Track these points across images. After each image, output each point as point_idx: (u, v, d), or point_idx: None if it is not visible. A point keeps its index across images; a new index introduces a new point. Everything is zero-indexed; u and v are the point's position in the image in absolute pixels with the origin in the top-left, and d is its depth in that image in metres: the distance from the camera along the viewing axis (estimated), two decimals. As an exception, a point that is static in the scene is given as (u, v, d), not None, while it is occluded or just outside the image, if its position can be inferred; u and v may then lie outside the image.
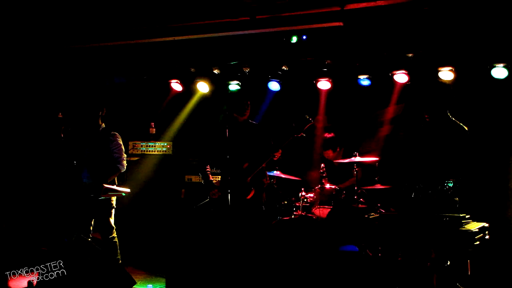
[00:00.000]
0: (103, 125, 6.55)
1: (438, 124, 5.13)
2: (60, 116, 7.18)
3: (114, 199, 6.44)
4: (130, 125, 8.03)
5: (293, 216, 7.10)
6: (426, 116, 5.17)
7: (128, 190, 6.34)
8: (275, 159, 5.76)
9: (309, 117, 5.52)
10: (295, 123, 5.55)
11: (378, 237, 5.08)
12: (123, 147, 6.51)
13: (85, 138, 6.48)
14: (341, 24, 6.43)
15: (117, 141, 6.45)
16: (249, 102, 5.82)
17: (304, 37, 7.06)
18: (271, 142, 5.83)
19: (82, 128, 6.53)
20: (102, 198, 6.16)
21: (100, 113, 6.49)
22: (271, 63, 8.22)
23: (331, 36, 6.92)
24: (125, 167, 6.47)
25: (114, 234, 6.38)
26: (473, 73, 7.45)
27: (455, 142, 5.01)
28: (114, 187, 6.29)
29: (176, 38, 7.12)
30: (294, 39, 7.06)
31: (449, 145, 5.02)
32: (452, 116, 5.17)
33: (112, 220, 6.37)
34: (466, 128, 5.07)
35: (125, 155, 6.53)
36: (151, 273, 7.19)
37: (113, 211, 6.39)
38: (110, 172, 6.31)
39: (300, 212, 7.13)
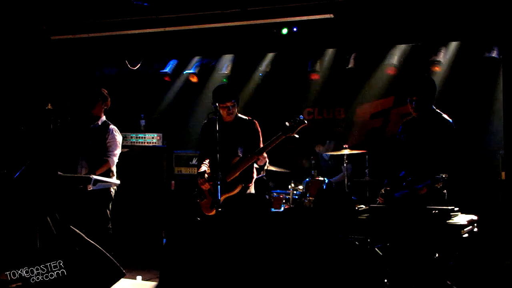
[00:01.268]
0: (104, 117, 6.60)
1: (424, 117, 5.14)
2: (50, 108, 7.16)
3: (113, 191, 6.45)
4: (119, 116, 8.00)
5: (282, 209, 7.12)
6: (412, 109, 5.17)
7: (118, 181, 6.33)
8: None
9: (303, 118, 5.49)
10: (288, 122, 5.51)
11: (367, 229, 5.10)
12: (118, 143, 6.52)
13: (86, 130, 6.51)
14: (331, 15, 6.42)
15: (113, 135, 6.49)
16: (229, 104, 5.73)
17: (295, 29, 7.04)
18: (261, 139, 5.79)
19: (82, 119, 6.55)
20: (91, 189, 6.12)
21: (103, 105, 6.54)
22: (261, 54, 8.22)
23: (322, 28, 6.91)
24: (115, 163, 6.48)
25: (110, 226, 6.41)
26: (462, 65, 7.48)
27: (441, 134, 5.02)
28: (105, 178, 6.27)
29: (167, 29, 7.08)
30: (285, 31, 7.04)
31: (436, 138, 5.03)
32: (437, 109, 5.17)
33: (109, 211, 6.40)
34: (451, 120, 5.07)
35: (119, 151, 6.54)
36: (141, 264, 7.19)
37: (110, 202, 6.43)
38: (99, 164, 6.33)
39: (290, 205, 7.16)
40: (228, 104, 5.64)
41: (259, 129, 5.83)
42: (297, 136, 5.51)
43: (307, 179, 7.30)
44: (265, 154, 5.56)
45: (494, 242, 6.79)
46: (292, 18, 6.71)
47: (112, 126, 6.54)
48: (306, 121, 5.48)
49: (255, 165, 5.87)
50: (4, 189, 7.19)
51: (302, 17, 6.60)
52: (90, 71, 8.46)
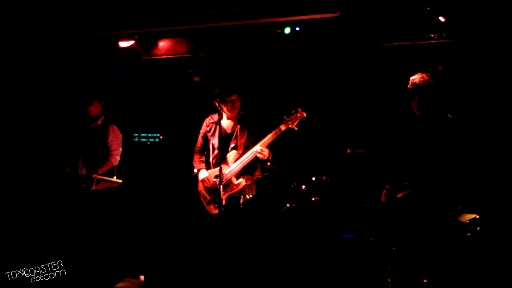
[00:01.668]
0: (103, 117, 6.61)
1: (427, 115, 5.08)
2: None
3: (115, 190, 6.47)
4: (122, 115, 8.00)
5: (285, 208, 7.10)
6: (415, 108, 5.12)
7: (120, 181, 6.35)
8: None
9: (302, 110, 5.49)
10: (287, 115, 5.52)
11: (372, 228, 5.10)
12: (119, 141, 6.56)
13: (85, 130, 6.53)
14: (337, 14, 6.38)
15: (114, 134, 6.53)
16: (233, 98, 5.75)
17: (298, 28, 7.02)
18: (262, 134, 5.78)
19: (81, 119, 6.57)
20: (94, 189, 6.14)
21: (100, 104, 6.54)
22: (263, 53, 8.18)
23: (327, 27, 6.88)
24: (118, 161, 6.52)
25: (112, 225, 6.45)
26: (472, 63, 7.41)
27: (444, 132, 4.97)
28: (107, 178, 6.29)
29: (167, 29, 7.08)
30: (288, 30, 7.02)
31: (438, 136, 4.98)
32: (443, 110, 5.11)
33: (111, 210, 6.43)
34: (451, 117, 5.00)
35: (121, 150, 6.57)
36: (144, 263, 7.18)
37: (113, 201, 6.45)
38: (101, 163, 6.35)
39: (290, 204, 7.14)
40: (233, 98, 5.67)
41: (259, 125, 5.84)
42: (296, 128, 5.52)
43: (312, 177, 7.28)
44: (266, 149, 5.55)
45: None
46: (296, 17, 6.68)
47: (112, 125, 6.56)
48: (305, 113, 5.49)
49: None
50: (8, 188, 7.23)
51: (306, 16, 6.58)
52: (90, 71, 8.45)
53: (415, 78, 5.05)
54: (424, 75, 4.98)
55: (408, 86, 5.07)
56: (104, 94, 6.63)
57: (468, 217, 4.75)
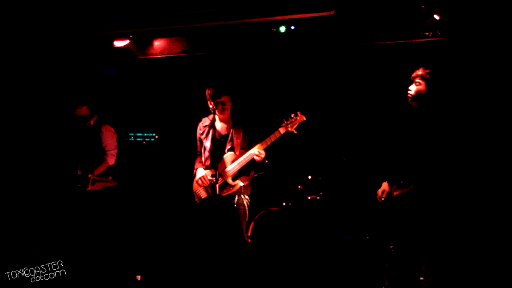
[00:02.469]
0: (96, 116, 6.57)
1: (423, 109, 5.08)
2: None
3: (111, 190, 6.45)
4: (118, 115, 7.99)
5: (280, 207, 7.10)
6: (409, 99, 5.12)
7: (115, 181, 6.33)
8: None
9: (301, 113, 5.49)
10: (286, 118, 5.52)
11: (369, 226, 5.11)
12: (114, 140, 6.52)
13: (79, 130, 6.50)
14: (332, 13, 6.39)
15: (107, 133, 6.49)
16: (224, 99, 5.75)
17: (293, 27, 7.02)
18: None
19: (75, 120, 6.55)
20: (90, 189, 6.12)
21: (90, 107, 6.53)
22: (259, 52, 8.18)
23: (322, 26, 6.88)
24: (114, 161, 6.48)
25: (108, 225, 6.43)
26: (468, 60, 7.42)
27: (441, 127, 4.96)
28: (103, 178, 6.26)
29: (159, 28, 7.07)
30: (283, 29, 7.01)
31: (436, 131, 4.97)
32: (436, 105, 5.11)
33: (107, 211, 6.41)
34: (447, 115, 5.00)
35: (116, 149, 6.54)
36: (141, 263, 7.18)
37: (109, 202, 6.43)
38: (97, 163, 6.32)
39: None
40: (223, 99, 5.66)
41: (253, 124, 5.85)
42: (295, 132, 5.52)
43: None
44: (263, 152, 5.55)
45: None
46: (290, 16, 6.68)
47: (105, 125, 6.51)
48: (304, 116, 5.50)
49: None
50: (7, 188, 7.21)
51: (301, 15, 6.58)
52: (87, 71, 8.43)
53: (418, 71, 5.07)
54: (425, 68, 5.01)
55: (410, 78, 5.09)
56: (93, 97, 6.60)
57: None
